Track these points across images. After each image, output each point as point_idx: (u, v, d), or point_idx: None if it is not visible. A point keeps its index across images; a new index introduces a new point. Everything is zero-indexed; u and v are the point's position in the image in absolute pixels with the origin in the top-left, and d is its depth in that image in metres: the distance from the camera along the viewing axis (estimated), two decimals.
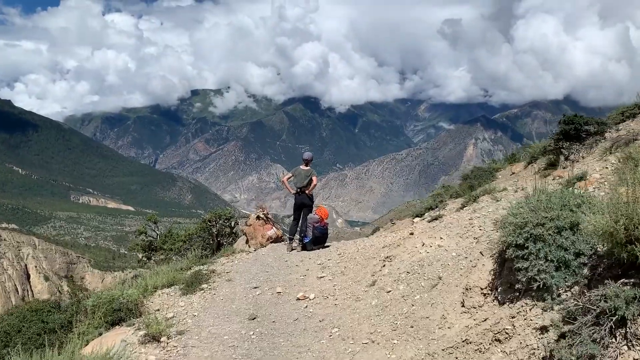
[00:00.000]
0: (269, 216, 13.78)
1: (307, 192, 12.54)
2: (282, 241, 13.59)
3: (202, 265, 11.12)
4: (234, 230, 16.20)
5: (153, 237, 17.40)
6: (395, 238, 10.37)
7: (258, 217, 13.52)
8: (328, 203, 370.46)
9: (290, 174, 12.86)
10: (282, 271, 10.10)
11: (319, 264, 10.26)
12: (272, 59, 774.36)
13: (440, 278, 6.58)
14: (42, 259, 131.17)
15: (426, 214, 13.34)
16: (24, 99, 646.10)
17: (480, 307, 5.37)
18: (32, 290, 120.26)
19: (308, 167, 12.67)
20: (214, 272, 10.03)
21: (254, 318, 7.59)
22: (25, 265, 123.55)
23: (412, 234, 9.69)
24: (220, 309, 8.16)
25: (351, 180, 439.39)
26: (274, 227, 13.49)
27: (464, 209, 10.85)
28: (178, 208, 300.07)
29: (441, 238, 7.87)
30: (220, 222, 15.57)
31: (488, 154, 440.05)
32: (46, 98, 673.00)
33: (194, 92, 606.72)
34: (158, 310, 8.35)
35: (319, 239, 12.25)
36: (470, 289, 5.66)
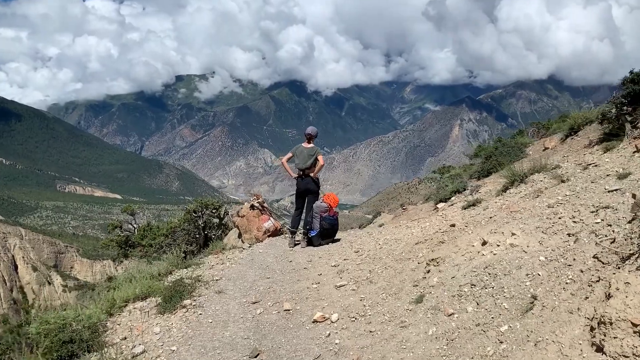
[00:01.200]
0: (265, 205, 11.57)
1: (312, 175, 10.36)
2: (282, 234, 11.47)
3: (186, 268, 8.93)
4: (223, 222, 14.06)
5: (130, 231, 15.07)
6: (429, 230, 8.24)
7: (252, 207, 11.32)
8: None
9: (291, 154, 10.56)
10: (288, 276, 7.93)
11: (334, 265, 8.11)
12: (257, 43, 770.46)
13: (534, 297, 4.42)
14: (29, 250, 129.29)
15: (453, 197, 11.20)
16: (5, 88, 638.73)
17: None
18: (20, 281, 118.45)
19: (311, 145, 10.46)
20: (199, 281, 7.80)
21: (257, 355, 5.34)
22: (13, 256, 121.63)
23: (453, 225, 7.55)
24: (208, 339, 5.92)
25: (339, 164, 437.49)
26: (271, 218, 11.30)
27: (509, 191, 8.75)
28: (165, 195, 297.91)
29: (513, 234, 5.70)
30: (208, 212, 13.39)
31: (473, 134, 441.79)
32: (28, 86, 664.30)
33: (179, 78, 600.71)
34: (125, 339, 6.15)
35: (327, 232, 10.10)
36: (606, 322, 3.52)
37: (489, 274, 5.20)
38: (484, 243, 5.90)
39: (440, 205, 11.19)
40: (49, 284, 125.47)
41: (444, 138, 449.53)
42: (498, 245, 5.69)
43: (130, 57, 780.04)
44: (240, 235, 11.35)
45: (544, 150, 12.91)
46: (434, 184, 17.44)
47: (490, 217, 6.84)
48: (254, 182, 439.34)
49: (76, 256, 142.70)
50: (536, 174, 8.90)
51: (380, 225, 12.21)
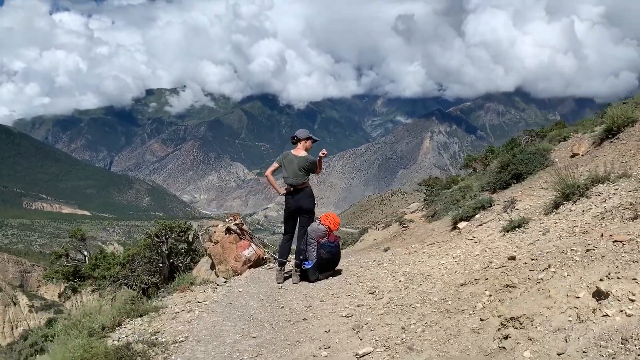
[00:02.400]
0: (245, 227, 9.30)
1: (303, 186, 8.15)
2: (265, 264, 9.21)
3: (140, 317, 6.62)
4: (193, 246, 11.80)
5: (80, 261, 12.58)
6: (469, 262, 6.13)
7: (228, 230, 9.04)
8: None
9: (277, 164, 8.20)
10: (282, 334, 5.62)
11: (346, 316, 5.84)
12: (229, 57, 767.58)
13: None
14: None
15: (478, 215, 9.08)
16: None
17: None
18: None
19: (304, 153, 8.14)
20: (155, 345, 5.47)
21: None
22: None
23: (513, 258, 5.41)
24: None
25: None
26: (252, 244, 9.02)
27: (565, 208, 6.68)
28: (136, 211, 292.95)
29: None
30: (174, 235, 11.13)
31: (444, 146, 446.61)
32: None
33: (149, 92, 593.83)
34: None
35: (327, 263, 7.85)
36: None
37: (631, 351, 3.06)
38: (601, 295, 3.75)
39: (462, 225, 9.07)
40: (15, 304, 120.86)
41: (415, 150, 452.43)
42: (632, 301, 3.55)
43: (100, 71, 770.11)
44: (213, 266, 9.08)
45: (571, 157, 10.94)
46: (440, 200, 15.48)
47: (588, 250, 4.68)
48: (227, 196, 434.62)
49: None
50: (600, 184, 6.85)
51: (385, 250, 10.02)
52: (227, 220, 9.50)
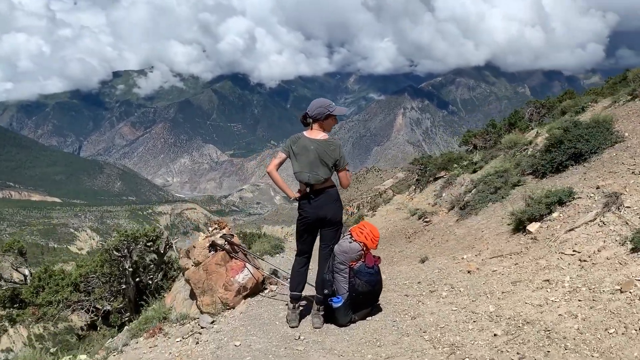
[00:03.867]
0: (236, 240, 6.74)
1: (326, 186, 5.26)
2: (266, 290, 6.70)
3: None
4: (166, 258, 9.39)
5: (19, 282, 9.78)
6: (620, 310, 3.72)
7: (213, 246, 6.49)
8: (265, 181, 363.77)
9: (284, 154, 5.29)
10: None
11: None
12: (196, 36, 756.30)
13: None
14: None
15: (556, 214, 6.64)
16: None
17: None
18: None
19: (324, 136, 5.29)
20: None
21: None
22: None
23: None
24: None
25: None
26: (247, 266, 6.46)
27: None
28: (108, 196, 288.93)
29: None
30: (140, 247, 8.70)
31: (416, 122, 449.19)
32: None
33: (116, 74, 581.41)
34: None
35: (364, 298, 5.29)
36: None
37: None
38: None
39: (533, 227, 6.65)
40: None
41: (388, 127, 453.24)
42: None
43: (64, 54, 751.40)
44: (194, 295, 6.54)
45: None
46: (457, 184, 13.44)
47: None
48: (200, 178, 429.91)
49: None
50: None
51: (422, 261, 7.60)
52: (210, 229, 6.97)
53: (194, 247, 6.57)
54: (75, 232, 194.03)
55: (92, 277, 8.48)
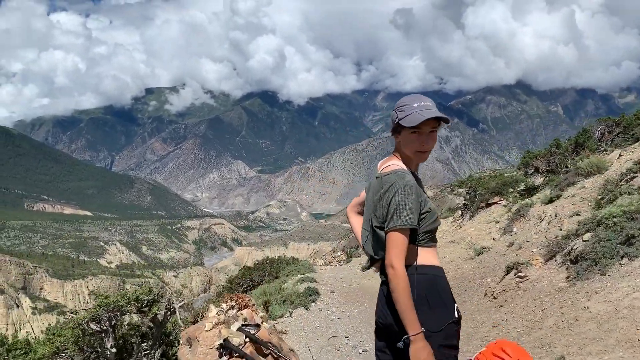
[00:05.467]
0: (263, 336, 4.32)
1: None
2: None
3: None
4: (165, 329, 6.90)
5: None
6: None
7: (225, 348, 4.10)
8: (292, 197, 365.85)
9: (364, 192, 3.30)
10: None
11: None
12: (227, 54, 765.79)
13: None
14: None
15: None
16: None
17: None
18: None
19: (386, 168, 3.02)
20: None
21: None
22: None
23: None
24: None
25: (314, 173, 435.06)
26: None
27: None
28: (138, 210, 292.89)
29: None
30: (127, 317, 6.96)
31: (445, 140, 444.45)
32: None
33: (149, 91, 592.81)
34: None
35: None
36: None
37: None
38: None
39: None
40: (18, 306, 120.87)
41: None
42: None
43: (98, 71, 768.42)
44: None
45: None
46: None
47: None
48: (228, 194, 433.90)
49: (46, 276, 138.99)
50: None
51: None
52: (223, 307, 4.69)
53: (197, 338, 4.47)
54: (105, 246, 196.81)
55: (62, 357, 6.40)
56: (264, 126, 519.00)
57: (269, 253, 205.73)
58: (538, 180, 14.86)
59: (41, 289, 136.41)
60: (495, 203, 15.51)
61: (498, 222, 13.49)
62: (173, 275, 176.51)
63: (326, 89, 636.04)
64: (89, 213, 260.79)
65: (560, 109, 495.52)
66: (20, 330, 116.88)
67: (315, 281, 13.36)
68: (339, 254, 23.74)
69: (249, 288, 19.84)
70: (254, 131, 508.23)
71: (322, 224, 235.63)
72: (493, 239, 12.40)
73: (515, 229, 11.63)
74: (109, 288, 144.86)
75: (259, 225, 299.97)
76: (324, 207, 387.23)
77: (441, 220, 19.44)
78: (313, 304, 10.97)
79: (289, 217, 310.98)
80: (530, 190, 14.18)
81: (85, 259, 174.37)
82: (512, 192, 15.58)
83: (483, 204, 16.21)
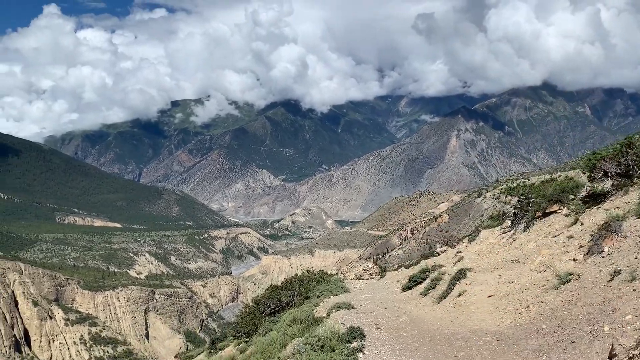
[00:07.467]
0: None
1: None
2: None
3: None
4: None
5: None
6: None
7: None
8: (317, 205, 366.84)
9: None
10: None
11: None
12: (250, 65, 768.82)
13: None
14: (29, 284, 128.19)
15: None
16: (1, 123, 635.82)
17: None
18: (21, 317, 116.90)
19: None
20: None
21: None
22: (13, 291, 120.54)
23: None
24: None
25: (338, 180, 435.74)
26: None
27: None
28: (166, 221, 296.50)
29: None
30: None
31: (471, 144, 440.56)
32: (24, 120, 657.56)
33: (174, 103, 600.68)
34: None
35: None
36: None
37: None
38: None
39: None
40: (51, 318, 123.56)
41: (441, 149, 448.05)
42: None
43: (125, 85, 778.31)
44: None
45: None
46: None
47: None
48: (254, 203, 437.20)
49: (77, 288, 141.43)
50: None
51: None
52: None
53: None
54: (135, 257, 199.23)
55: None
56: (288, 135, 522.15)
57: (295, 261, 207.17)
58: (607, 184, 13.12)
59: (73, 300, 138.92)
60: (554, 212, 14.05)
61: (572, 237, 11.23)
62: (201, 285, 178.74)
63: (348, 96, 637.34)
64: (118, 225, 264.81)
65: (588, 110, 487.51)
66: (53, 341, 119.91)
67: (353, 307, 11.71)
68: (369, 265, 23.53)
69: (276, 310, 20.02)
70: (278, 140, 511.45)
71: (348, 231, 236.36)
72: (574, 259, 10.08)
73: (606, 249, 9.54)
74: (139, 298, 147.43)
75: (285, 233, 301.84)
76: (349, 214, 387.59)
77: (485, 230, 18.55)
78: (360, 354, 8.90)
79: (314, 224, 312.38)
80: (597, 197, 12.64)
81: (116, 270, 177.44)
82: (574, 199, 13.90)
83: (539, 213, 14.65)
